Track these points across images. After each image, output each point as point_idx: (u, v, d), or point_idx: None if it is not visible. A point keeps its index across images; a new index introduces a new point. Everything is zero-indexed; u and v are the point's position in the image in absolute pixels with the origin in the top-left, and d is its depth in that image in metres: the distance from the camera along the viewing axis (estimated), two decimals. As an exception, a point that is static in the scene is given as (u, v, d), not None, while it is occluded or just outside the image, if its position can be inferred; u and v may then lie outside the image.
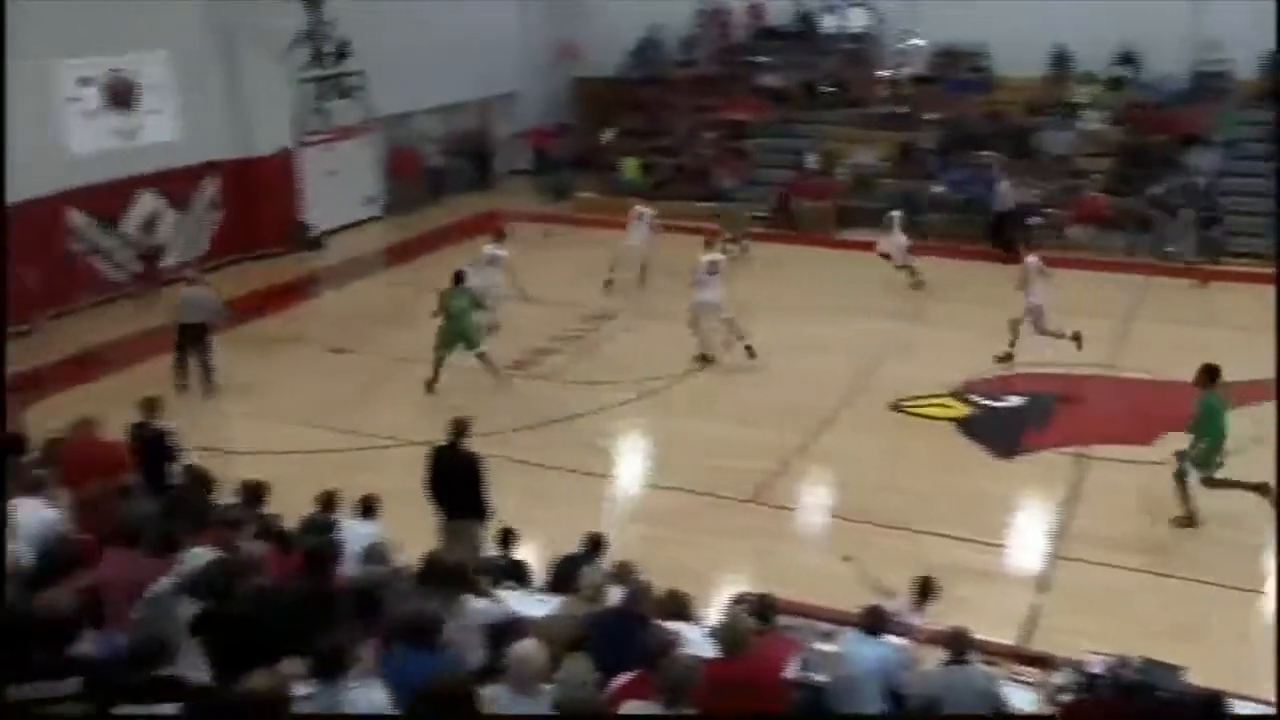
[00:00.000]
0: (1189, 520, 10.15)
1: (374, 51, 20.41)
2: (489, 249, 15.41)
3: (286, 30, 19.36)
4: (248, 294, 17.68)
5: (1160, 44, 21.92)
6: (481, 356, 13.60)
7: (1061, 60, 23.04)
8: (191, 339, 13.56)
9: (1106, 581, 9.41)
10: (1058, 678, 6.45)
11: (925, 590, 7.53)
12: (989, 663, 6.49)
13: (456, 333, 13.39)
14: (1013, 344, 14.27)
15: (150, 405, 9.36)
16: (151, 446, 9.01)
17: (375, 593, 5.68)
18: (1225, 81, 21.79)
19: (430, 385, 13.49)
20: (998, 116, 22.56)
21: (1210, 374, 10.20)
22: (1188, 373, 12.05)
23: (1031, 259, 14.64)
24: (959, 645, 6.07)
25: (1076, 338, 14.04)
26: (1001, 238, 19.62)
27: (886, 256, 17.92)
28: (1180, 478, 10.25)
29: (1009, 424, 12.70)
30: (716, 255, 14.87)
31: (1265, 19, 19.32)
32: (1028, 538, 10.42)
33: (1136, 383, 13.76)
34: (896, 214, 18.11)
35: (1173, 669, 6.24)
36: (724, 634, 5.54)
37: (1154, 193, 19.90)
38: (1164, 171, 20.28)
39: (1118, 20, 21.69)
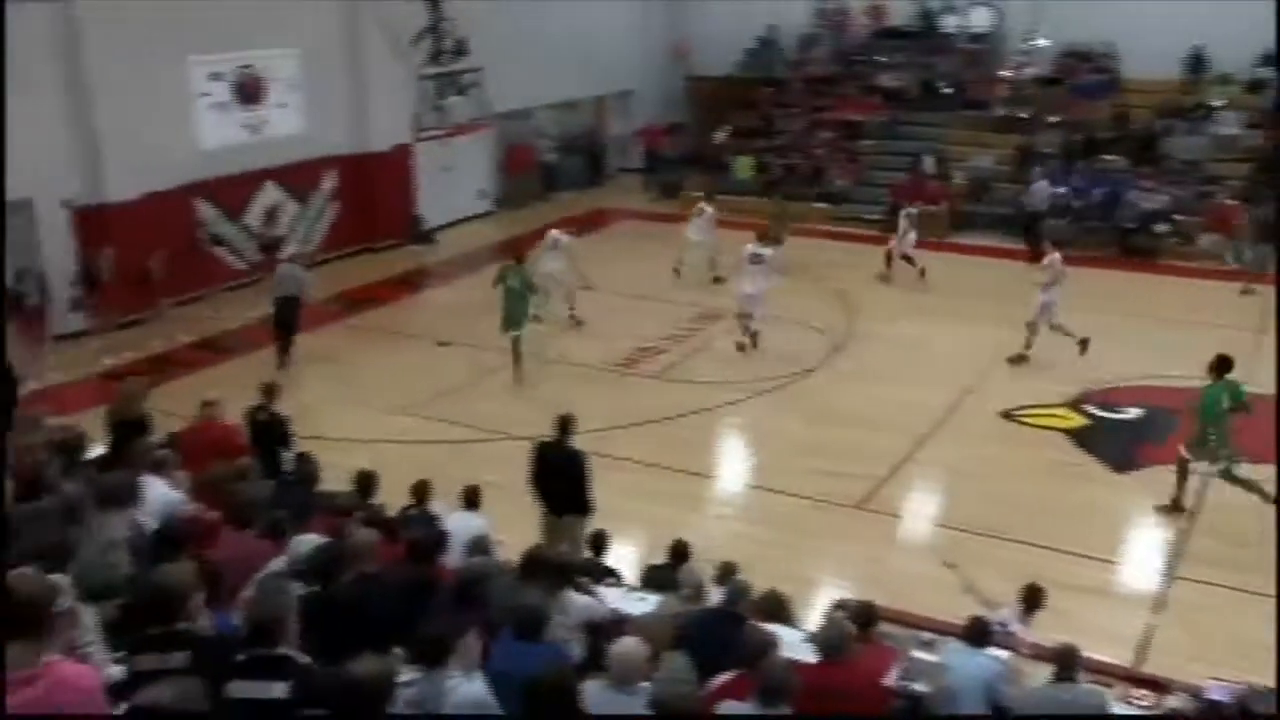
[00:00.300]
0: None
1: (492, 48, 20.70)
2: (555, 234, 15.92)
3: (409, 28, 19.76)
4: (361, 286, 18.13)
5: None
6: (516, 341, 13.90)
7: (1197, 62, 22.19)
8: (285, 311, 14.26)
9: (1224, 604, 9.03)
10: (1172, 701, 6.23)
11: (1032, 599, 7.32)
12: (1099, 683, 6.28)
13: (507, 311, 13.76)
14: (1029, 345, 14.32)
15: (268, 391, 9.63)
16: (266, 431, 9.26)
17: (478, 584, 5.73)
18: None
19: (518, 375, 13.87)
20: (1124, 119, 21.84)
21: (1222, 365, 10.57)
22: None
23: (1057, 256, 14.55)
24: (1067, 662, 5.88)
25: (1084, 344, 13.99)
26: (1032, 237, 19.30)
27: (908, 259, 17.92)
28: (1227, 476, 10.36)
29: (1127, 437, 12.30)
30: (761, 249, 14.93)
31: None
32: (1142, 555, 10.07)
33: (1264, 398, 13.16)
34: (914, 210, 18.31)
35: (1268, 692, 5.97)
36: (825, 639, 5.47)
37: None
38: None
39: (1258, 20, 20.74)
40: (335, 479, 8.55)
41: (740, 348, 14.73)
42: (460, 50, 20.99)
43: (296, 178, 18.65)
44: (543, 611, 5.49)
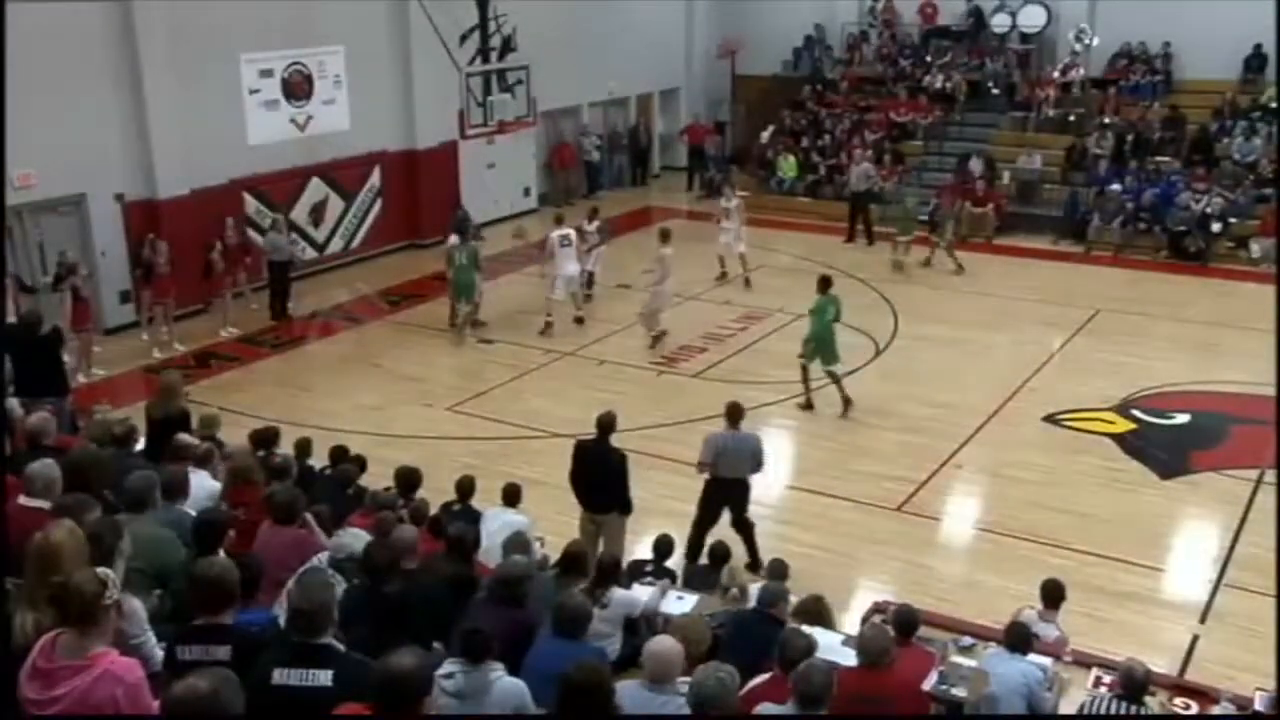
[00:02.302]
0: None
1: (539, 46, 20.79)
2: (585, 226, 16.92)
3: (457, 25, 19.88)
4: (406, 282, 18.27)
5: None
6: (471, 311, 15.54)
7: (1256, 61, 21.78)
8: (278, 275, 16.10)
9: (1272, 613, 8.86)
10: (1218, 711, 6.13)
11: (1051, 596, 7.22)
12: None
13: (457, 283, 15.36)
14: None
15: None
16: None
17: (517, 581, 5.76)
18: None
19: (452, 321, 15.72)
20: (1178, 120, 21.51)
21: (825, 283, 12.94)
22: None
23: None
24: (1134, 686, 5.73)
25: None
26: None
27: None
28: None
29: (1175, 442, 12.11)
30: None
31: None
32: (1190, 562, 9.91)
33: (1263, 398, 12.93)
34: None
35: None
36: (868, 645, 5.44)
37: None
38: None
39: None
40: (381, 475, 8.64)
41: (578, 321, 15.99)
42: (507, 47, 21.12)
43: (343, 174, 18.82)
44: (585, 610, 5.51)
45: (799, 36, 26.01)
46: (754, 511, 10.61)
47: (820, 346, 12.71)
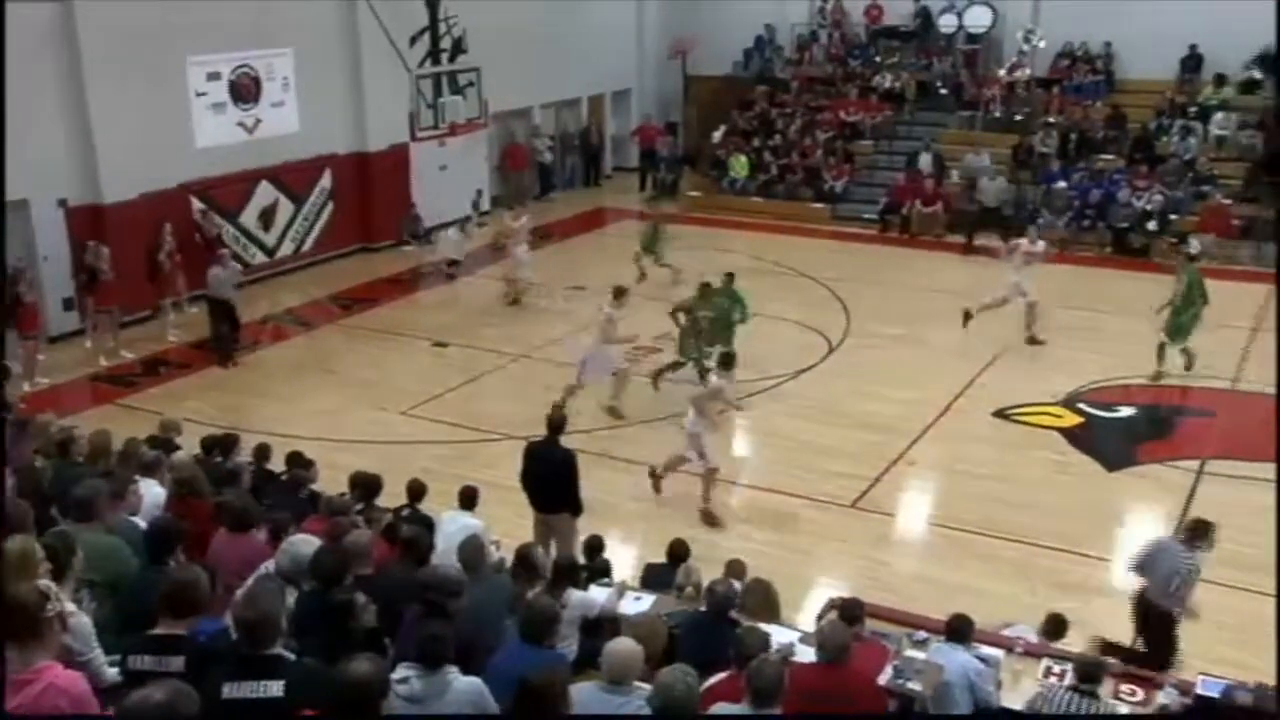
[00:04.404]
0: None
1: (490, 48, 20.73)
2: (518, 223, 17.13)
3: (407, 27, 19.79)
4: (357, 286, 18.16)
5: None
6: None
7: (1192, 62, 22.23)
8: (220, 313, 14.66)
9: (1219, 602, 9.01)
10: (1163, 698, 6.26)
11: (1054, 630, 7.34)
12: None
13: None
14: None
15: None
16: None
17: (456, 586, 5.74)
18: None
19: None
20: (1120, 120, 21.89)
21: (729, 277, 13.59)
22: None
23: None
24: (1091, 674, 5.84)
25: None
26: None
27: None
28: None
29: (1122, 436, 12.35)
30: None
31: None
32: (1135, 552, 10.09)
33: (1258, 397, 13.23)
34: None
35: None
36: (827, 640, 5.49)
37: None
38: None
39: (1253, 21, 20.79)
40: (335, 480, 8.59)
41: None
42: (458, 49, 21.05)
43: (293, 177, 18.67)
44: (551, 613, 5.50)
45: (749, 37, 26.16)
46: (713, 512, 10.72)
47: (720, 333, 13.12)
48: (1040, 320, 14.85)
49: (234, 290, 14.77)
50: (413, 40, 20.09)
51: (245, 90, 17.67)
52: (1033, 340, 14.80)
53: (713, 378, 10.95)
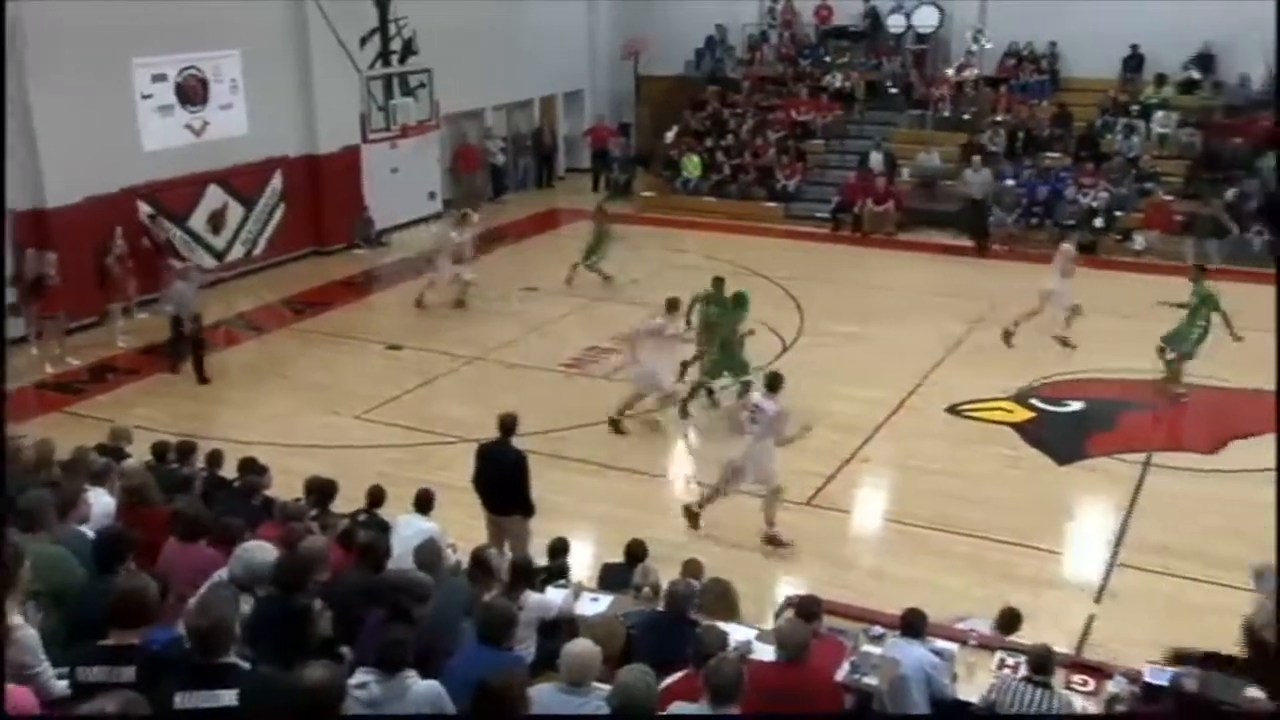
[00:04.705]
0: None
1: (441, 49, 20.63)
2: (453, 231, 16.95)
3: (357, 28, 19.64)
4: (310, 289, 18.00)
5: (1239, 44, 21.45)
6: None
7: (1133, 62, 22.62)
8: (181, 332, 14.06)
9: (1166, 591, 9.24)
10: (1113, 687, 6.38)
11: (1008, 624, 7.43)
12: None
13: None
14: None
15: None
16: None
17: (421, 590, 5.73)
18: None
19: None
20: (1065, 118, 22.22)
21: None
22: (1257, 380, 11.98)
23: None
24: (1042, 665, 5.93)
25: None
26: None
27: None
28: None
29: (1071, 429, 12.52)
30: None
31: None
32: (1086, 545, 10.27)
33: (1203, 390, 13.49)
34: None
35: (1235, 683, 6.14)
36: (786, 638, 5.53)
37: (1227, 198, 19.49)
38: (1239, 176, 19.84)
39: (1194, 20, 21.27)
40: (289, 486, 8.52)
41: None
42: (409, 50, 20.93)
43: (242, 180, 18.46)
44: (509, 615, 5.50)
45: (701, 37, 26.22)
46: (667, 511, 10.75)
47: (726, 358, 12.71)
48: (1073, 325, 14.36)
49: (195, 302, 14.19)
50: (363, 41, 19.95)
51: (192, 92, 17.45)
52: (1065, 342, 14.29)
53: (761, 399, 10.07)
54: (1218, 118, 21.22)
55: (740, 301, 12.89)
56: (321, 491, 7.97)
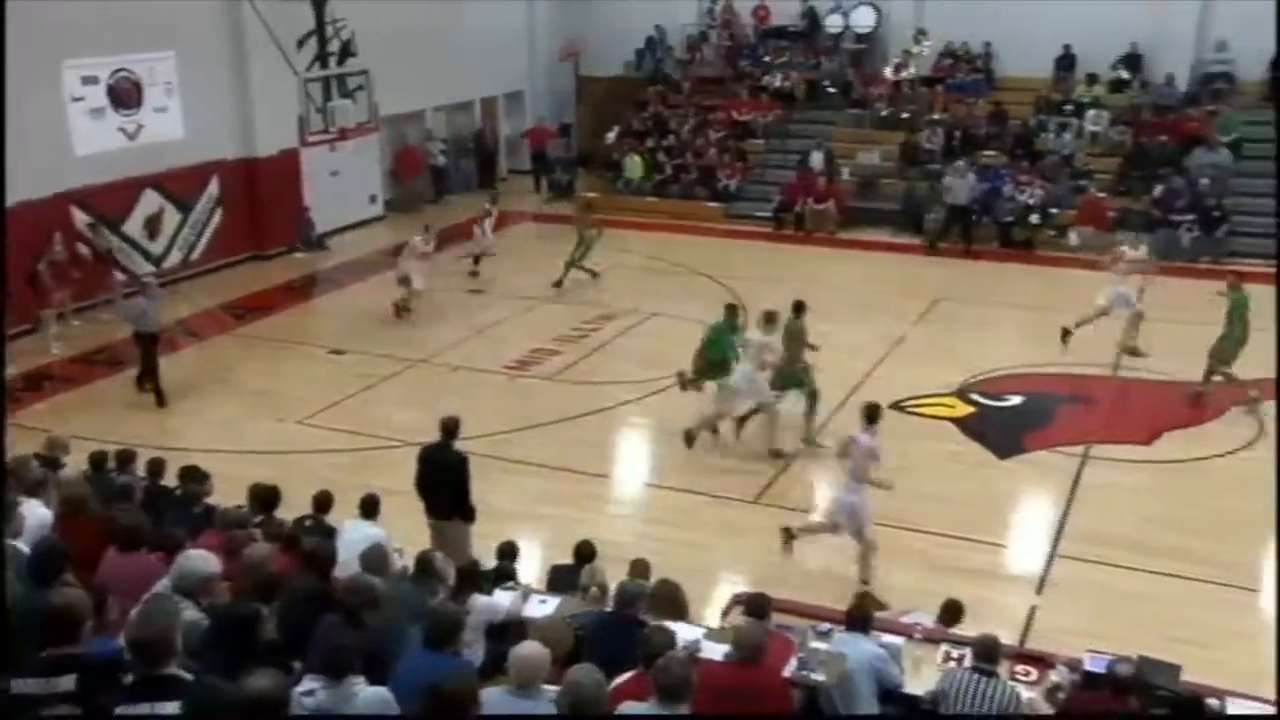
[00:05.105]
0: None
1: (379, 51, 20.48)
2: (416, 239, 16.45)
3: (294, 29, 19.42)
4: (250, 294, 17.77)
5: (1165, 45, 22.00)
6: None
7: (1065, 61, 23.04)
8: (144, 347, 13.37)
9: (1104, 580, 9.43)
10: (1055, 676, 6.49)
11: (951, 616, 7.53)
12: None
13: None
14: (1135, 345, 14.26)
15: None
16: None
17: (372, 595, 5.69)
18: (1229, 83, 21.79)
19: None
20: (1001, 117, 22.56)
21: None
22: (1189, 373, 12.24)
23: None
24: (988, 654, 6.03)
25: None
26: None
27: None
28: None
29: (1010, 424, 12.72)
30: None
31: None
32: (1027, 537, 10.45)
33: (1137, 383, 13.78)
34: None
35: (1169, 667, 6.29)
36: (743, 638, 5.56)
37: (1156, 194, 19.93)
38: (1167, 173, 20.29)
39: (1123, 21, 21.77)
40: (233, 493, 8.41)
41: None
42: (347, 52, 20.75)
43: (178, 184, 18.17)
44: (456, 619, 5.48)
45: (641, 38, 26.29)
46: (614, 511, 10.77)
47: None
48: (1140, 332, 14.09)
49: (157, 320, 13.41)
50: (300, 43, 19.74)
51: (125, 95, 17.15)
52: (1133, 352, 14.03)
53: (858, 433, 9.35)
54: (1146, 116, 21.68)
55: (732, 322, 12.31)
56: (264, 498, 7.87)
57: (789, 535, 9.74)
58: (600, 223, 18.34)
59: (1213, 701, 6.07)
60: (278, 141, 19.39)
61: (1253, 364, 12.71)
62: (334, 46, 20.62)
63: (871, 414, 9.35)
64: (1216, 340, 12.85)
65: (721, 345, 11.91)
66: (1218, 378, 12.97)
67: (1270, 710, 6.19)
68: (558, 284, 17.68)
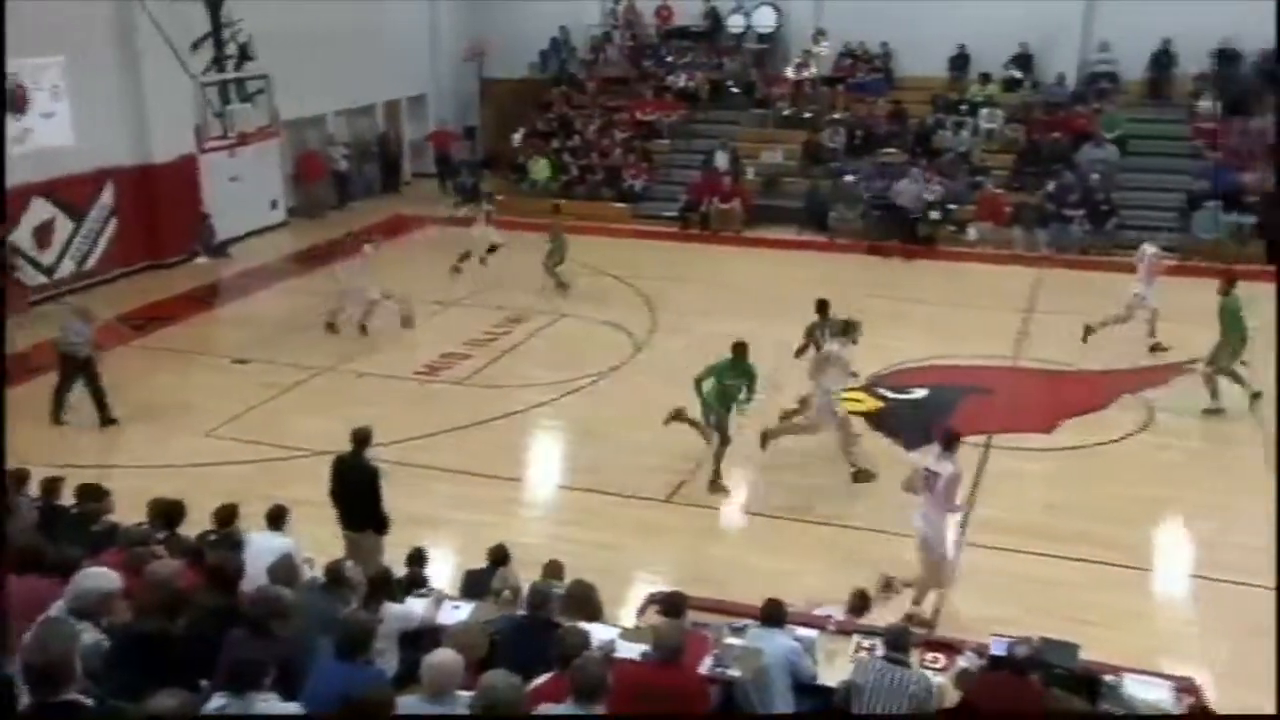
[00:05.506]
0: None
1: (278, 54, 20.09)
2: (368, 248, 15.89)
3: (188, 32, 18.95)
4: (148, 304, 17.30)
5: (1054, 45, 22.69)
6: None
7: (960, 61, 23.60)
8: (75, 371, 12.82)
9: (1009, 567, 9.67)
10: (963, 661, 6.65)
11: (860, 606, 7.65)
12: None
13: None
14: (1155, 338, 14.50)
15: None
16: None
17: (280, 605, 5.60)
18: (1113, 82, 22.55)
19: None
20: (900, 115, 23.01)
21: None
22: (1084, 362, 12.61)
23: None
24: (898, 642, 6.15)
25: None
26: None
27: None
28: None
29: (917, 417, 12.97)
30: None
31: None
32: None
33: (1036, 373, 14.17)
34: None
35: (1068, 646, 6.49)
36: (663, 639, 5.58)
37: (1049, 189, 20.52)
38: (1059, 169, 20.91)
39: (1013, 23, 22.41)
40: (138, 509, 8.19)
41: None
42: (245, 56, 20.31)
43: (70, 192, 17.62)
44: (366, 629, 5.41)
45: (544, 39, 26.24)
46: (527, 514, 10.74)
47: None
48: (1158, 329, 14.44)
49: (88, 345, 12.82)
50: (195, 46, 19.27)
51: (11, 100, 16.56)
52: (1156, 348, 14.37)
53: (934, 461, 8.70)
54: (1038, 114, 22.32)
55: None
56: (167, 513, 7.68)
57: (888, 585, 8.82)
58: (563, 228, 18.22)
59: (1109, 678, 6.31)
60: (175, 147, 18.91)
61: (1080, 347, 12.94)
62: (231, 49, 20.17)
63: (950, 440, 8.69)
64: (1213, 347, 12.74)
65: (721, 390, 11.03)
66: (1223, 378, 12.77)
67: (1163, 682, 6.46)
68: (561, 285, 17.57)
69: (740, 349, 11.07)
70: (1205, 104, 21.37)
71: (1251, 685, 7.07)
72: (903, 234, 20.37)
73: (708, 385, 11.02)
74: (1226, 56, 21.74)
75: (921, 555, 8.75)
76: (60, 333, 12.87)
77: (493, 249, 18.34)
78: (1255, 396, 12.72)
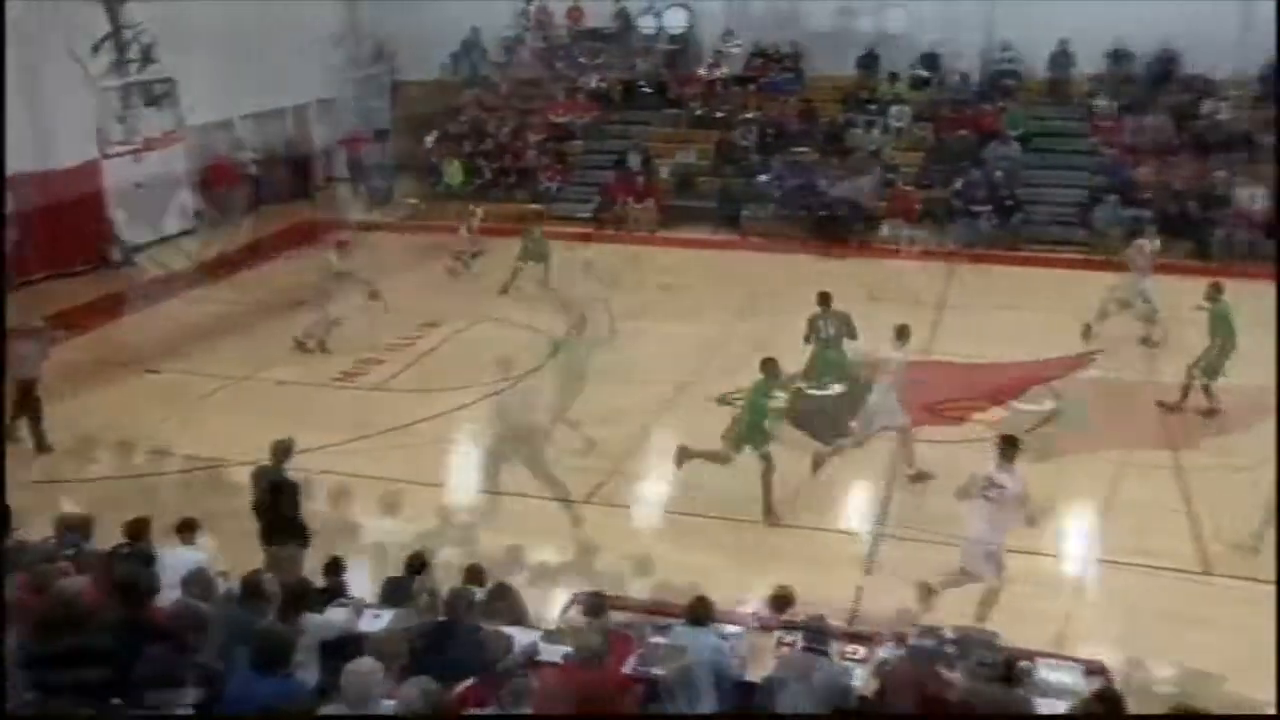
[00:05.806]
0: None
1: (183, 56, 19.61)
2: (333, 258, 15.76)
3: (86, 34, 18.41)
4: (52, 316, 16.73)
5: (959, 44, 23.18)
6: None
7: (868, 60, 23.97)
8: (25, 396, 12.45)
9: (925, 558, 9.84)
10: (882, 652, 6.78)
11: (781, 603, 7.73)
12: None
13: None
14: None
15: None
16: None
17: (195, 619, 5.51)
18: (1016, 80, 23.10)
19: None
20: (811, 114, 23.29)
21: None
22: (994, 355, 12.88)
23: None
24: (817, 636, 6.25)
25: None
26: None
27: None
28: None
29: (832, 411, 13.13)
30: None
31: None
32: (852, 520, 10.85)
33: (948, 366, 14.45)
34: None
35: (985, 634, 6.67)
36: (585, 641, 5.59)
37: (957, 186, 20.96)
38: (967, 166, 21.36)
39: (919, 21, 22.87)
40: (44, 524, 7.97)
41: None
42: (147, 58, 19.77)
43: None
44: (285, 640, 5.34)
45: (455, 40, 26.02)
46: (449, 520, 10.65)
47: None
48: (1159, 325, 14.70)
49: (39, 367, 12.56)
50: (95, 48, 18.72)
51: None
52: (1148, 342, 14.68)
53: (996, 472, 8.47)
54: (945, 112, 22.77)
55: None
56: (75, 529, 7.50)
57: (929, 591, 8.74)
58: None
59: (1024, 663, 6.48)
60: (76, 153, 18.37)
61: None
62: (134, 52, 19.63)
63: (1008, 450, 8.41)
64: (1202, 352, 12.78)
65: (762, 408, 10.87)
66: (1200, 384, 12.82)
67: (1075, 665, 6.66)
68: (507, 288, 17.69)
69: (770, 364, 10.88)
70: (1101, 103, 22.01)
71: (1158, 666, 7.28)
72: (840, 232, 20.60)
73: (759, 406, 10.73)
74: (1120, 56, 22.42)
75: (972, 564, 8.56)
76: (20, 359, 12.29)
77: (475, 255, 18.66)
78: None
